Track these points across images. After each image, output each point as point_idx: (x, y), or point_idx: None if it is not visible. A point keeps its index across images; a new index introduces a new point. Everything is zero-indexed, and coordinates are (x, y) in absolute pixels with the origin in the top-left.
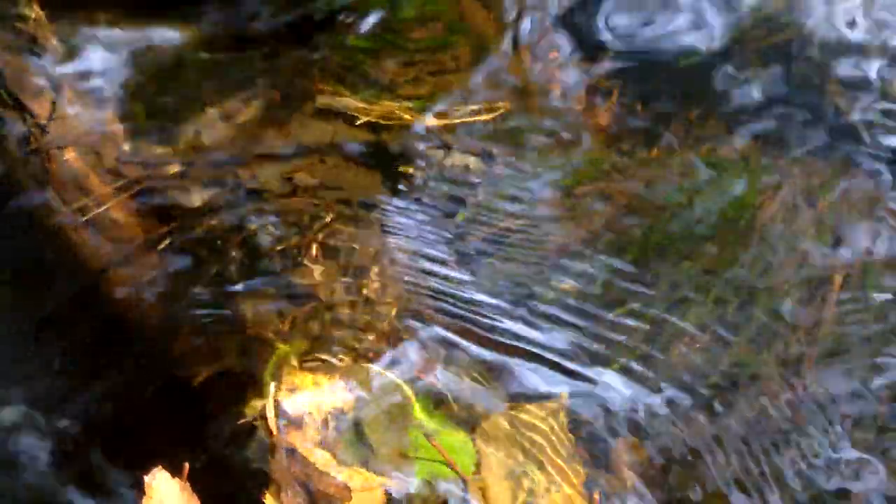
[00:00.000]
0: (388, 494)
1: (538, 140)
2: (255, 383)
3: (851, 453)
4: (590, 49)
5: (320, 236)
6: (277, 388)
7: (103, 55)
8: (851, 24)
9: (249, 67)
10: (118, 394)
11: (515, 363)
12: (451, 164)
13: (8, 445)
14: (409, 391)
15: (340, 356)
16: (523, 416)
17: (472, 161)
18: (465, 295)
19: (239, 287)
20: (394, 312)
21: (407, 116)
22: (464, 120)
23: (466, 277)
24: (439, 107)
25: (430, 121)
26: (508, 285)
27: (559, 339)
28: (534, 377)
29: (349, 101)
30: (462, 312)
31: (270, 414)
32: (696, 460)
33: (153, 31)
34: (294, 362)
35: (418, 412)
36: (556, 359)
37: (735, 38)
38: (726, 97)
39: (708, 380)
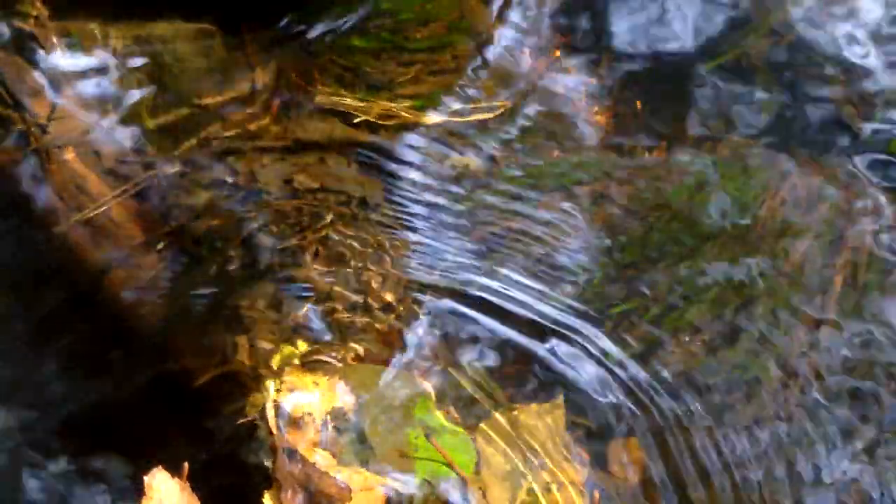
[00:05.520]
0: (387, 494)
1: (538, 140)
2: (256, 383)
3: (851, 455)
4: (590, 49)
5: (320, 236)
6: (277, 388)
7: (103, 55)
8: (854, 25)
9: (249, 67)
10: (118, 394)
11: (516, 362)
12: (451, 164)
13: (8, 444)
14: (410, 390)
15: (340, 356)
16: (523, 416)
17: (472, 160)
18: (466, 294)
19: (239, 287)
20: (394, 312)
21: (407, 115)
22: (464, 119)
23: (467, 277)
24: (439, 106)
25: (430, 120)
26: (509, 285)
27: (559, 338)
28: (534, 377)
29: (349, 101)
30: (462, 312)
31: (270, 414)
32: (696, 460)
33: (153, 31)
34: (294, 362)
35: (420, 411)
36: (556, 358)
37: (736, 39)
38: (726, 97)
39: (708, 380)
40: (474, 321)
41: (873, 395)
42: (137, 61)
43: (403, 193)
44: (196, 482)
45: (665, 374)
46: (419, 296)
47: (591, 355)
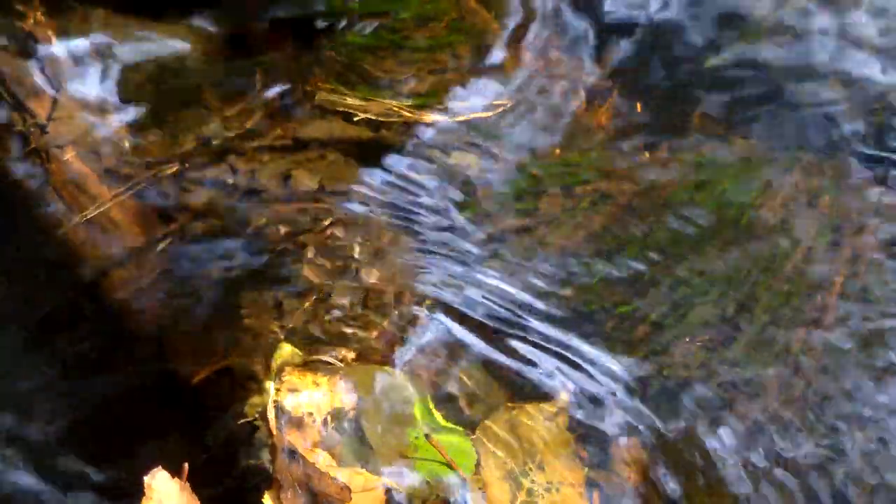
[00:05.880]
0: (388, 494)
1: (538, 139)
2: (256, 383)
3: (852, 453)
4: (590, 48)
5: (320, 236)
6: (277, 388)
7: (103, 55)
8: (853, 25)
9: (249, 66)
10: (118, 394)
11: (516, 363)
12: (452, 163)
13: (7, 445)
14: (410, 391)
15: (340, 356)
16: (523, 416)
17: (473, 159)
18: (466, 294)
19: (239, 287)
20: (394, 312)
21: (407, 114)
22: (464, 118)
23: (467, 277)
24: (439, 105)
25: (430, 119)
26: (509, 284)
27: (559, 338)
28: (534, 377)
29: (349, 99)
30: (463, 311)
31: (270, 414)
32: (696, 460)
33: (153, 30)
34: (294, 362)
35: (420, 411)
36: (556, 358)
37: (736, 39)
38: (726, 97)
39: (709, 380)
40: (475, 321)
41: (874, 393)
42: (137, 61)
43: (403, 193)
44: (196, 482)
45: (666, 373)
46: (419, 296)
47: (591, 355)
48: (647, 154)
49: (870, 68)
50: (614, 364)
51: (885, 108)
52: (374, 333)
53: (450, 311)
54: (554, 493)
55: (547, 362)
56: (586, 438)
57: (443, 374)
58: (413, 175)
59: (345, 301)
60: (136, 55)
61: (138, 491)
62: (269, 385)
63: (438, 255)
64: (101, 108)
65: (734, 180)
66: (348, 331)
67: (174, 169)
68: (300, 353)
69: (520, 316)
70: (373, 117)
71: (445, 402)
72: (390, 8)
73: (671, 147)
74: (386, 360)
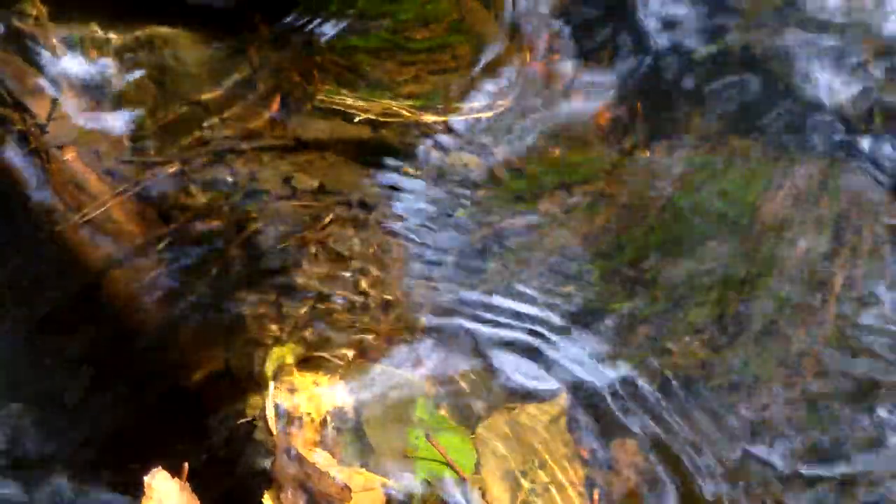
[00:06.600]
0: (388, 494)
1: (538, 139)
2: (255, 383)
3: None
4: (590, 49)
5: (320, 236)
6: (277, 388)
7: (103, 55)
8: (853, 24)
9: (249, 67)
10: (117, 394)
11: (515, 362)
12: (451, 163)
13: (8, 445)
14: (410, 390)
15: (340, 356)
16: (523, 416)
17: (472, 160)
18: (466, 294)
19: (239, 288)
20: (394, 312)
21: (407, 115)
22: (464, 118)
23: (467, 277)
24: (439, 105)
25: (430, 119)
26: (508, 285)
27: (559, 338)
28: (534, 377)
29: (349, 100)
30: (462, 312)
31: (270, 414)
32: (696, 460)
33: (153, 31)
34: (293, 362)
35: (420, 411)
36: (556, 358)
37: (735, 38)
38: (726, 97)
39: (708, 380)
40: (474, 320)
41: (875, 392)
42: (137, 61)
43: (404, 193)
44: (196, 482)
45: (666, 373)
46: (418, 295)
47: (591, 355)
48: (646, 154)
49: (870, 69)
50: (614, 364)
51: (885, 106)
52: (374, 333)
53: (449, 310)
54: (554, 493)
55: (547, 362)
56: (586, 439)
57: (443, 373)
58: (412, 175)
59: (344, 301)
60: (137, 55)
61: (139, 490)
62: (269, 385)
63: (438, 255)
64: (101, 108)
65: (734, 180)
66: (348, 331)
67: (174, 169)
68: (299, 353)
69: (519, 316)
70: (373, 118)
71: (445, 401)
72: (391, 9)
73: (671, 147)
74: (386, 360)
